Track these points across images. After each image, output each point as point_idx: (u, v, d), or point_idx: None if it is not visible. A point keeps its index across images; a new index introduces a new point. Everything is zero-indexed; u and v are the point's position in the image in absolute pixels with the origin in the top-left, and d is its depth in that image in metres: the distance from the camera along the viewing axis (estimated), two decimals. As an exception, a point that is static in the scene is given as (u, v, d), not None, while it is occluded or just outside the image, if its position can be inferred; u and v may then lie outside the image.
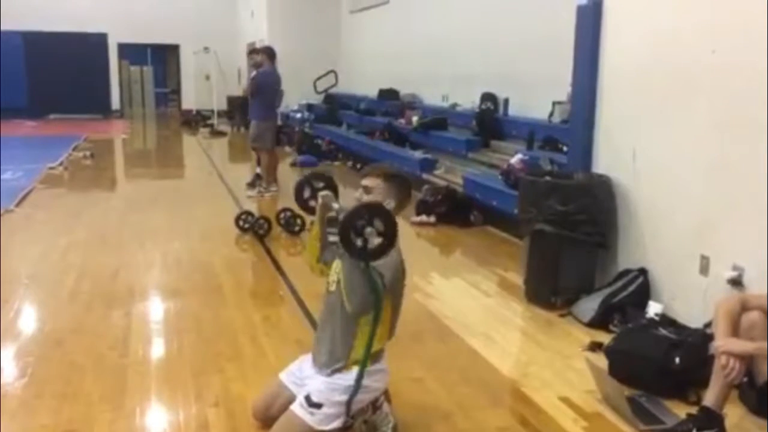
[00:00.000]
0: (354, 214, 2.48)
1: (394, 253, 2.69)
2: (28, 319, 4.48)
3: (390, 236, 2.48)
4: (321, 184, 2.94)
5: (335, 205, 2.74)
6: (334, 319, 2.81)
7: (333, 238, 2.60)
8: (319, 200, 2.82)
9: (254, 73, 9.07)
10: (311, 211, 2.94)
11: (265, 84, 8.65)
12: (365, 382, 2.73)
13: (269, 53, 8.85)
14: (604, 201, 4.69)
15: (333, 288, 2.82)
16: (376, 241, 2.45)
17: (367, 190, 2.82)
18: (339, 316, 2.77)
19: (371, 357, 2.75)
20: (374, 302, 2.60)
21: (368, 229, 2.44)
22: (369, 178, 2.86)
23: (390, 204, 2.75)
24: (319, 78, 13.14)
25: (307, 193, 2.96)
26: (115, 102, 21.26)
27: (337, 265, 2.80)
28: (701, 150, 4.05)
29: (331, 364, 2.76)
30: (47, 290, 4.98)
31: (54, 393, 3.33)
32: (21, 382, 3.47)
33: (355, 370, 2.73)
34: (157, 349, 4.00)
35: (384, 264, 2.63)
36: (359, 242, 2.44)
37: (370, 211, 2.50)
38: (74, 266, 5.49)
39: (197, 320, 4.38)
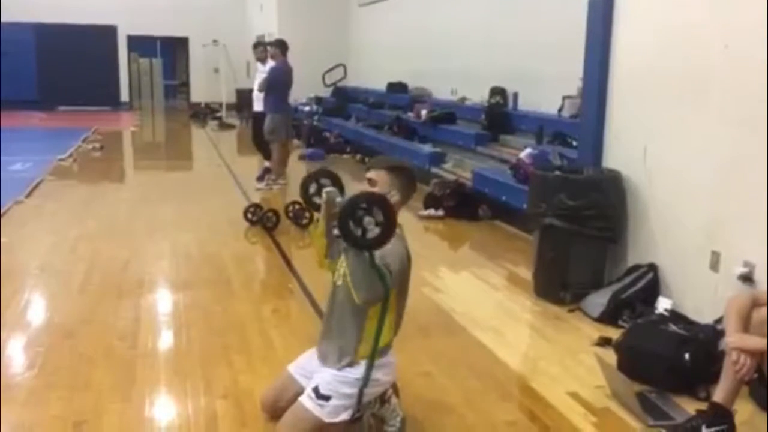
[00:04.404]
0: (352, 203, 2.47)
1: (398, 242, 2.69)
2: (38, 310, 4.50)
3: (388, 225, 2.47)
4: (327, 181, 2.93)
5: (338, 200, 2.74)
6: (342, 314, 2.80)
7: (337, 233, 2.59)
8: (324, 196, 2.82)
9: (259, 65, 9.11)
10: (316, 207, 2.92)
11: (279, 79, 8.66)
12: (374, 374, 2.73)
13: (281, 46, 8.85)
14: (615, 196, 4.67)
15: (340, 282, 2.81)
16: (375, 230, 2.44)
17: (372, 182, 2.83)
18: (348, 311, 2.76)
19: (379, 350, 2.75)
20: (382, 291, 2.59)
21: (367, 218, 2.43)
22: (373, 170, 2.87)
23: (394, 196, 2.75)
24: (327, 71, 13.15)
25: (312, 189, 2.95)
26: (125, 94, 21.30)
27: (343, 259, 2.80)
28: (713, 145, 4.02)
29: (341, 359, 2.76)
30: (57, 281, 5.00)
31: (64, 384, 3.35)
32: (31, 373, 3.49)
33: (363, 363, 2.72)
34: (167, 341, 4.01)
35: (390, 253, 2.63)
36: (358, 231, 2.43)
37: (368, 200, 2.48)
38: (84, 258, 5.51)
39: (206, 312, 4.39)
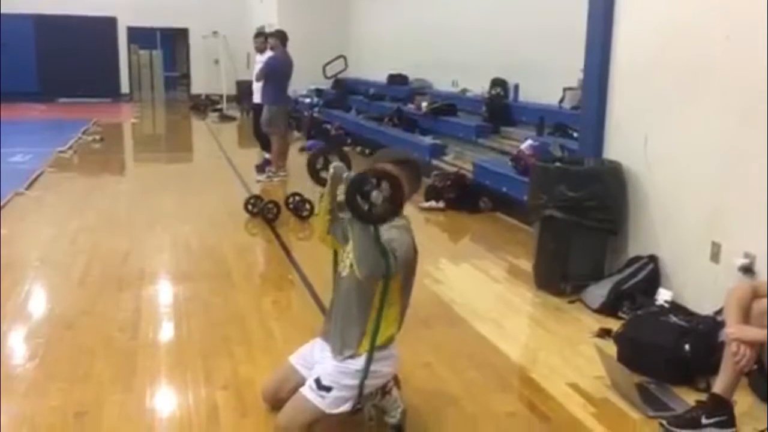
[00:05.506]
0: (360, 177, 2.49)
1: (406, 233, 2.70)
2: (38, 302, 4.51)
3: (396, 200, 2.49)
4: (334, 157, 2.91)
5: (345, 175, 2.70)
6: (347, 305, 2.80)
7: (344, 215, 2.60)
8: (330, 171, 2.79)
9: (258, 56, 9.08)
10: (322, 182, 2.90)
11: (276, 69, 8.63)
12: (375, 366, 2.73)
13: (281, 37, 8.82)
14: (615, 187, 4.66)
15: (345, 273, 2.81)
16: (382, 204, 2.46)
17: None
18: (353, 301, 2.76)
19: (383, 342, 2.75)
20: (384, 268, 2.57)
21: (374, 193, 2.45)
22: (379, 164, 2.85)
23: None
24: (328, 63, 13.07)
25: (319, 164, 2.95)
26: (125, 86, 21.25)
27: (348, 249, 2.80)
28: (713, 136, 4.01)
29: (343, 350, 2.76)
30: (58, 273, 5.00)
31: (64, 375, 3.36)
32: (32, 364, 3.49)
33: (365, 355, 2.72)
34: (167, 332, 4.02)
35: (396, 239, 2.64)
36: (365, 205, 2.46)
37: (376, 174, 2.50)
38: (84, 249, 5.51)
39: (206, 304, 4.39)
